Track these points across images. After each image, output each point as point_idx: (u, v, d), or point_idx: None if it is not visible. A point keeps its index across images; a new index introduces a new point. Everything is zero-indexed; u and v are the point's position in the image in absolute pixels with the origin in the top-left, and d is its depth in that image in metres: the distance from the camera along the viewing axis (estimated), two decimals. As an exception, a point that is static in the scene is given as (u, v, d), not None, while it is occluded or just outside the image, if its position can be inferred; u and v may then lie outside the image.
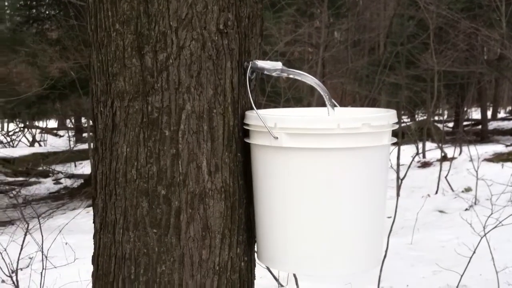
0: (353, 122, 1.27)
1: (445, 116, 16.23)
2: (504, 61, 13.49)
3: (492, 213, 3.13)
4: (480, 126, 16.66)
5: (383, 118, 1.31)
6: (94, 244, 1.47)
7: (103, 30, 1.38)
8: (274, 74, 1.44)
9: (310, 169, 1.30)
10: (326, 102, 1.40)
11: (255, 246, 1.49)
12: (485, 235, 2.92)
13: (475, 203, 5.81)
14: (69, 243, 3.92)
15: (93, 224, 1.48)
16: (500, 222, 2.92)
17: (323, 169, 1.29)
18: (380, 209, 1.38)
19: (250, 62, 1.43)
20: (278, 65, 1.45)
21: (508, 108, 25.26)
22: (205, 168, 1.36)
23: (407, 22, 11.82)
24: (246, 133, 1.42)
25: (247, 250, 1.46)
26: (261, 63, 1.44)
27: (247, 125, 1.39)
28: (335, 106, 1.43)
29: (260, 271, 1.71)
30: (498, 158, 8.14)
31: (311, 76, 1.40)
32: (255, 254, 1.49)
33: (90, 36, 1.44)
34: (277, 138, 1.29)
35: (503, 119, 20.58)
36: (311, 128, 1.27)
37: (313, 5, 10.83)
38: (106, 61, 1.38)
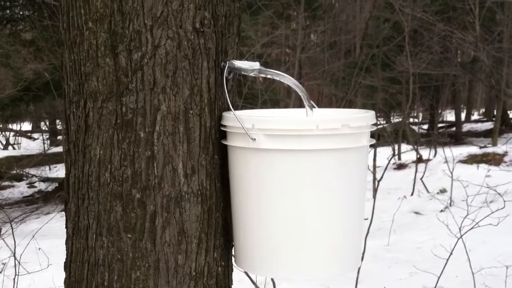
0: (332, 123, 1.25)
1: (420, 118, 16.39)
2: (477, 64, 13.67)
3: (467, 214, 3.14)
4: (454, 128, 16.88)
5: (362, 119, 1.29)
6: (66, 250, 1.42)
7: (75, 28, 1.34)
8: (251, 74, 1.41)
9: (289, 171, 1.27)
10: (305, 103, 1.38)
11: (233, 250, 1.45)
12: (461, 236, 2.93)
13: (450, 205, 5.85)
14: (42, 248, 3.84)
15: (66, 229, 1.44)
16: (477, 224, 2.94)
17: (302, 171, 1.27)
18: (359, 211, 1.36)
19: (228, 62, 1.40)
20: (256, 65, 1.42)
21: (482, 110, 25.63)
22: (181, 171, 1.33)
23: (383, 25, 11.91)
24: (224, 135, 1.38)
25: (224, 255, 1.43)
26: (238, 63, 1.41)
27: (224, 126, 1.36)
28: (314, 107, 1.41)
29: (237, 275, 1.67)
30: (472, 159, 8.23)
31: (289, 77, 1.38)
32: (233, 259, 1.46)
33: (62, 35, 1.39)
34: (255, 139, 1.26)
35: (476, 121, 20.88)
36: (289, 129, 1.24)
37: (289, 7, 10.85)
38: (79, 60, 1.34)
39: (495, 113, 14.88)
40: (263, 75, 1.41)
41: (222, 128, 1.36)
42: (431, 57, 11.49)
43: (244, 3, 7.24)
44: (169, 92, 1.30)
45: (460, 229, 2.97)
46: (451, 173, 5.78)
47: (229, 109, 1.38)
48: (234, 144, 1.33)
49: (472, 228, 2.97)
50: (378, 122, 11.60)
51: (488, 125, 17.73)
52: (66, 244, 1.42)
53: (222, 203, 1.41)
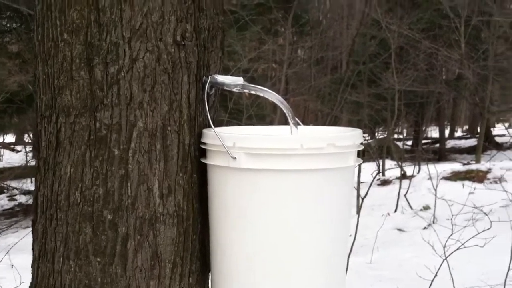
0: (317, 142, 1.19)
1: (405, 134, 16.43)
2: (462, 81, 13.76)
3: (452, 234, 3.09)
4: (438, 145, 16.94)
5: (349, 138, 1.24)
6: (32, 273, 1.34)
7: (50, 40, 1.27)
8: (234, 90, 1.35)
9: (271, 192, 1.21)
10: (289, 120, 1.32)
11: (209, 275, 1.38)
12: (446, 258, 2.88)
13: (433, 222, 5.82)
14: (18, 263, 3.72)
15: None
16: (463, 244, 2.89)
17: (285, 192, 1.21)
18: (345, 233, 1.30)
19: (209, 77, 1.34)
20: (239, 80, 1.37)
21: (465, 127, 25.81)
22: (156, 191, 1.26)
23: (369, 42, 11.96)
24: (203, 153, 1.32)
25: (201, 280, 1.35)
26: (221, 78, 1.35)
27: (204, 144, 1.29)
28: (298, 124, 1.35)
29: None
30: (456, 176, 8.22)
31: (273, 93, 1.32)
32: (209, 284, 1.39)
33: (36, 47, 1.32)
34: (236, 158, 1.20)
35: (460, 137, 21.00)
36: (272, 148, 1.18)
37: (277, 23, 10.85)
38: (52, 73, 1.27)
39: (478, 130, 14.96)
40: (247, 91, 1.35)
41: (202, 146, 1.30)
42: (416, 74, 11.54)
43: (231, 18, 7.21)
44: (147, 107, 1.24)
45: (444, 248, 2.92)
46: (435, 190, 5.75)
47: (210, 126, 1.31)
48: (214, 163, 1.27)
49: (458, 248, 2.92)
50: (363, 138, 11.58)
51: (472, 142, 17.85)
52: (31, 267, 1.35)
53: (199, 225, 1.35)
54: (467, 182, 7.74)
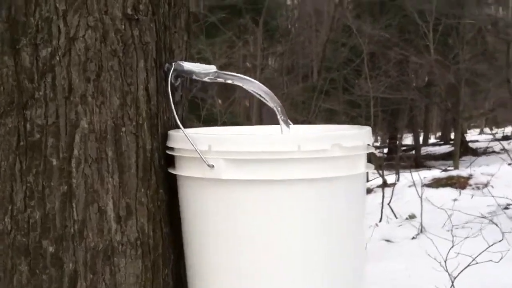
0: (319, 142, 0.90)
1: (379, 142, 16.31)
2: (432, 88, 13.71)
3: (453, 246, 2.83)
4: (413, 152, 16.86)
5: (358, 137, 0.95)
6: None
7: (-36, 19, 0.96)
8: (206, 79, 1.06)
9: (260, 210, 0.92)
10: (278, 116, 1.03)
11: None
12: (456, 278, 2.59)
13: (421, 231, 5.57)
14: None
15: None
16: (474, 259, 2.61)
17: (278, 210, 0.91)
18: (358, 259, 1.01)
19: (174, 64, 1.04)
20: (211, 68, 1.07)
21: (438, 134, 25.91)
22: (111, 212, 0.95)
23: (341, 48, 11.81)
24: (171, 161, 1.02)
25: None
26: (188, 65, 1.06)
27: (171, 149, 1.00)
28: (289, 123, 1.06)
29: None
30: (438, 183, 8.03)
31: (256, 81, 1.03)
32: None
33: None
34: (213, 166, 0.90)
35: (433, 144, 21.00)
36: (260, 152, 0.89)
37: (247, 31, 10.60)
38: (-33, 62, 0.96)
39: (451, 136, 14.91)
40: (222, 80, 1.05)
41: (169, 152, 1.00)
42: (389, 80, 11.42)
43: (202, 25, 6.93)
44: (92, 102, 0.94)
45: (445, 261, 2.65)
46: (420, 198, 5.51)
47: (177, 127, 1.01)
48: (185, 174, 0.97)
49: (468, 265, 2.63)
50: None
51: (445, 148, 17.81)
52: None
53: (172, 255, 1.04)
54: (448, 189, 7.55)
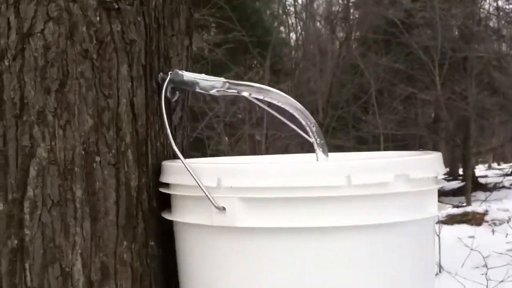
0: (377, 172, 0.62)
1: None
2: (440, 123, 13.50)
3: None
4: (423, 188, 16.49)
5: (429, 165, 0.67)
6: None
7: None
8: (213, 92, 0.79)
9: (292, 269, 0.64)
10: (312, 140, 0.76)
11: None
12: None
13: (439, 271, 5.23)
14: None
15: None
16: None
17: (317, 269, 0.63)
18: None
19: (170, 73, 0.78)
20: (219, 79, 0.81)
21: (446, 170, 25.62)
22: (79, 276, 0.67)
23: (349, 85, 11.66)
24: (166, 202, 0.74)
25: None
26: (189, 75, 0.79)
27: (166, 186, 0.72)
28: (326, 150, 0.79)
29: None
30: (452, 219, 7.71)
31: (282, 93, 0.76)
32: None
33: None
34: (224, 209, 0.63)
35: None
36: (291, 188, 0.61)
37: (252, 68, 10.45)
38: None
39: (460, 172, 14.62)
40: (233, 92, 0.78)
41: (163, 190, 0.72)
42: (395, 118, 11.22)
43: (209, 61, 6.74)
44: (53, 121, 0.67)
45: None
46: (438, 236, 5.18)
47: (175, 156, 0.74)
48: (185, 220, 0.69)
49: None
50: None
51: (454, 184, 17.50)
52: None
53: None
54: (464, 226, 7.23)
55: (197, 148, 5.23)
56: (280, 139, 8.12)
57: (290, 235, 0.62)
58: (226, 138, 5.55)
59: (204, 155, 5.07)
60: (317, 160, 0.75)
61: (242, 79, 6.85)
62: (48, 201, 0.66)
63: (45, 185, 0.66)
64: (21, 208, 0.66)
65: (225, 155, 5.27)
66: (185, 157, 0.85)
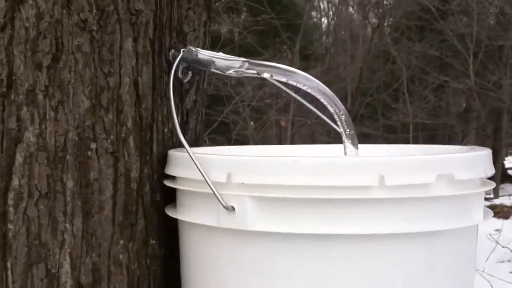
0: (416, 171, 0.53)
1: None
2: (471, 113, 13.22)
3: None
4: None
5: (477, 164, 0.57)
6: None
7: None
8: (230, 73, 0.69)
9: (313, 282, 0.54)
10: (341, 130, 0.66)
11: None
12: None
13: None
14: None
15: None
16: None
17: (343, 282, 0.54)
18: None
19: (183, 50, 0.69)
20: (238, 58, 0.71)
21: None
22: (67, 279, 0.59)
23: (379, 72, 11.47)
24: (171, 196, 0.66)
25: None
26: (204, 53, 0.70)
27: (172, 178, 0.64)
28: (356, 141, 0.69)
29: None
30: (481, 211, 7.57)
31: (309, 76, 0.66)
32: None
33: None
34: (233, 209, 0.54)
35: (472, 172, 20.36)
36: (314, 187, 0.52)
37: (281, 52, 10.32)
38: None
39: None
40: (253, 73, 0.69)
41: (168, 183, 0.64)
42: (426, 106, 11.03)
43: (235, 46, 6.63)
44: (43, 101, 0.59)
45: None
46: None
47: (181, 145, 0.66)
48: (190, 219, 0.60)
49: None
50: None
51: (485, 177, 17.18)
52: None
53: None
54: (491, 218, 7.04)
55: (223, 132, 5.15)
56: (306, 125, 8.00)
57: (308, 242, 0.53)
58: (252, 123, 5.45)
59: (229, 139, 4.99)
60: (345, 153, 0.66)
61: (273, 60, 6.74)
62: (35, 192, 0.58)
63: (32, 174, 0.58)
64: (5, 200, 0.58)
65: (250, 140, 5.19)
66: (199, 145, 0.77)
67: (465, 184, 0.56)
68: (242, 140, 5.22)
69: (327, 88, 0.65)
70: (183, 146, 0.59)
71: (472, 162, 0.57)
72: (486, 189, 0.60)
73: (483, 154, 0.59)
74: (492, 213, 0.64)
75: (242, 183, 0.54)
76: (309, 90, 0.65)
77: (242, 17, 8.96)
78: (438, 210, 0.55)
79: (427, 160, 0.54)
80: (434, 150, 0.72)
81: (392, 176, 0.52)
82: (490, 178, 0.62)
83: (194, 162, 0.56)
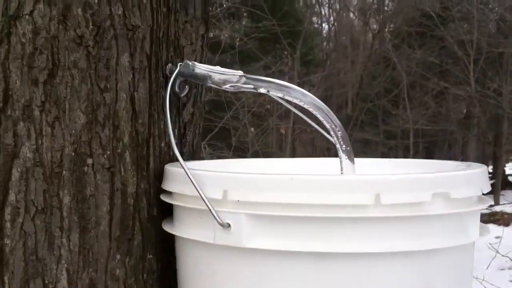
0: (412, 189, 0.53)
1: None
2: (471, 120, 13.23)
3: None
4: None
5: (473, 182, 0.57)
6: None
7: None
8: (227, 88, 0.70)
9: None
10: (337, 146, 0.66)
11: None
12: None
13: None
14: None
15: None
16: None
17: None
18: None
19: (180, 64, 0.69)
20: (236, 72, 0.71)
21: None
22: (64, 294, 0.59)
23: (379, 78, 11.48)
24: (167, 210, 0.66)
25: None
26: (201, 68, 0.70)
27: (169, 194, 0.63)
28: (352, 157, 0.69)
29: None
30: (481, 219, 7.53)
31: (305, 91, 0.66)
32: None
33: None
34: (229, 226, 0.54)
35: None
36: (309, 205, 0.52)
37: (282, 58, 10.33)
38: None
39: (489, 169, 14.34)
40: (250, 88, 0.69)
41: (165, 198, 0.64)
42: (427, 113, 11.03)
43: (236, 52, 6.64)
44: (40, 117, 0.59)
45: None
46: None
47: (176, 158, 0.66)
48: (186, 235, 0.60)
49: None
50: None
51: (485, 183, 17.14)
52: None
53: None
54: (492, 226, 7.04)
55: (223, 138, 5.15)
56: (307, 131, 8.00)
57: (304, 260, 0.53)
58: (252, 129, 5.45)
59: (229, 145, 4.98)
60: (341, 169, 0.66)
61: (271, 70, 6.77)
62: (32, 208, 0.58)
63: (28, 190, 0.58)
64: (2, 215, 0.58)
65: (250, 146, 5.19)
66: (196, 158, 0.77)
67: (461, 202, 0.56)
68: (242, 147, 5.22)
69: (323, 104, 0.65)
70: (179, 160, 0.59)
71: (468, 180, 0.57)
72: (482, 206, 0.60)
73: (479, 172, 0.59)
74: (489, 230, 0.64)
75: (238, 200, 0.54)
76: (305, 106, 0.65)
77: (243, 23, 8.98)
78: (434, 228, 0.55)
79: (423, 179, 0.54)
80: (430, 166, 0.72)
81: (388, 194, 0.52)
82: (492, 185, 0.62)
83: (190, 179, 0.56)
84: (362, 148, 11.83)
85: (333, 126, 0.65)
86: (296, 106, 0.77)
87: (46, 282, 0.59)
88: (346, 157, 0.66)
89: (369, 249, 0.53)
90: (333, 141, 0.68)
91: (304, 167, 0.82)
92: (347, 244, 0.53)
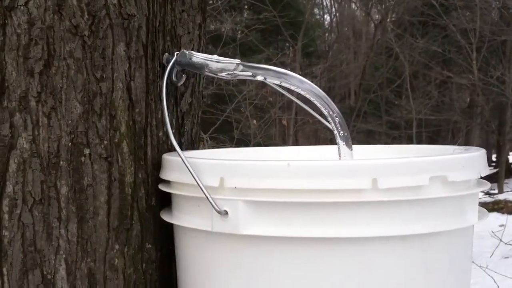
0: (410, 173, 0.53)
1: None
2: (474, 109, 13.19)
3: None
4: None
5: (472, 165, 0.57)
6: None
7: None
8: (223, 75, 0.69)
9: (305, 283, 0.54)
10: (335, 132, 0.66)
11: None
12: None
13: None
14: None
15: None
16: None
17: (340, 285, 0.54)
18: None
19: (176, 54, 0.69)
20: (233, 60, 0.71)
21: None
22: (63, 284, 0.59)
23: (381, 68, 11.45)
24: (166, 200, 0.66)
25: None
26: (198, 56, 0.69)
27: (167, 183, 0.64)
28: (350, 143, 0.69)
29: None
30: (485, 207, 7.52)
31: (303, 78, 0.66)
32: None
33: None
34: (226, 213, 0.54)
35: (476, 167, 20.26)
36: (306, 191, 0.52)
37: (284, 50, 10.30)
38: None
39: (493, 158, 14.31)
40: (247, 76, 0.69)
41: (162, 188, 0.64)
42: (430, 102, 11.00)
43: (237, 45, 6.62)
44: (36, 108, 0.59)
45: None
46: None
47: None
48: (184, 224, 0.60)
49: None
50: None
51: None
52: None
53: None
54: (495, 214, 7.05)
55: (225, 131, 5.15)
56: (309, 122, 7.99)
57: (300, 246, 0.53)
58: (254, 121, 5.44)
59: (232, 138, 4.98)
60: (339, 155, 0.66)
61: (273, 62, 6.75)
62: (29, 199, 0.58)
63: (26, 181, 0.58)
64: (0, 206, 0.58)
65: (252, 138, 5.18)
66: (195, 148, 0.77)
67: (459, 185, 0.56)
68: (244, 139, 5.21)
69: (320, 90, 0.64)
70: (176, 149, 0.59)
71: (465, 163, 0.56)
72: (481, 189, 0.60)
73: (477, 155, 0.58)
74: (488, 214, 0.64)
75: (235, 187, 0.54)
76: (302, 93, 0.65)
77: (244, 15, 8.96)
78: (432, 212, 0.54)
79: (420, 162, 0.54)
80: (428, 151, 0.72)
81: (384, 178, 0.52)
82: (495, 174, 0.62)
83: (187, 167, 0.56)
84: (365, 138, 11.82)
85: (331, 112, 0.65)
86: (297, 95, 0.77)
87: (45, 272, 0.59)
88: (344, 143, 0.65)
89: (367, 234, 0.53)
90: (331, 127, 0.67)
91: (304, 153, 0.82)
92: (345, 229, 0.53)
